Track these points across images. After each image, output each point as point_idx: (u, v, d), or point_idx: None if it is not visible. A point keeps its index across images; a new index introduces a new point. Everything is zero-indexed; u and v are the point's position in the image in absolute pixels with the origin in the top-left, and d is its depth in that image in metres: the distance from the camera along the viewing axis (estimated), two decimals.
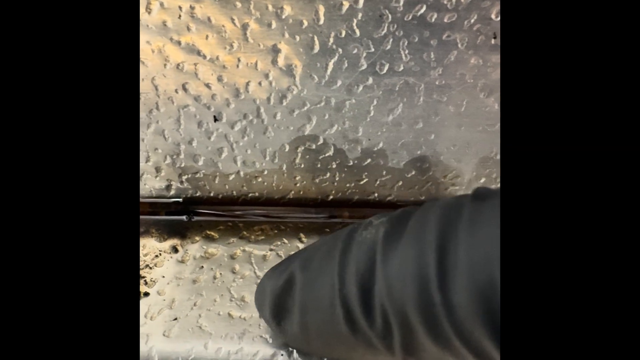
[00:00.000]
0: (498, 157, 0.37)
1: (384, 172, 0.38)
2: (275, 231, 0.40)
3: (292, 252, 0.37)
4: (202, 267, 0.37)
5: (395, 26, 0.30)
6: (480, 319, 0.20)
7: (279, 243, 0.39)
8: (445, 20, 0.30)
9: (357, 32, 0.30)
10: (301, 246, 0.39)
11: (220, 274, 0.37)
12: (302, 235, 0.40)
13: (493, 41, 0.31)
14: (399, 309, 0.22)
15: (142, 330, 0.33)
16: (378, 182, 0.39)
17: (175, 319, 0.34)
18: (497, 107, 0.34)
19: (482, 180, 0.39)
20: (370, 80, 0.33)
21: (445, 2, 0.29)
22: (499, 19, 0.29)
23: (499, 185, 0.39)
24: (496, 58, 0.31)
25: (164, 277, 0.37)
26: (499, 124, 0.35)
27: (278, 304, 0.28)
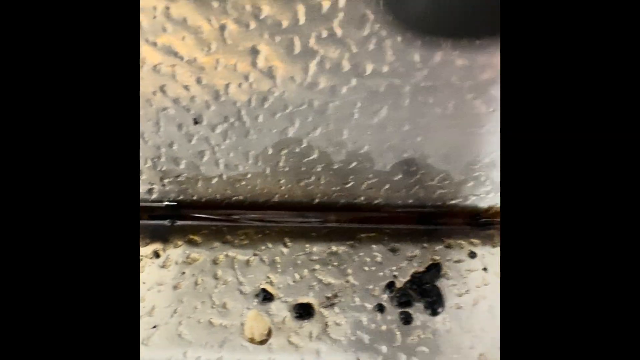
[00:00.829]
0: (487, 159, 0.36)
1: (370, 175, 0.37)
2: (260, 235, 0.39)
3: (276, 258, 0.37)
4: (184, 272, 0.37)
5: (378, 26, 0.29)
6: None
7: (263, 248, 0.38)
8: None
9: (339, 32, 0.29)
10: (286, 251, 0.38)
11: (202, 280, 0.36)
12: (286, 239, 0.39)
13: (479, 41, 0.30)
14: None
15: None
16: (364, 186, 0.38)
17: (155, 326, 0.33)
18: (484, 109, 0.33)
19: (471, 183, 0.38)
20: (354, 82, 0.32)
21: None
22: None
23: (488, 188, 0.38)
24: (483, 59, 0.30)
25: (144, 283, 0.36)
26: (487, 126, 0.34)
27: None
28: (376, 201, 0.39)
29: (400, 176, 0.37)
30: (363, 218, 0.40)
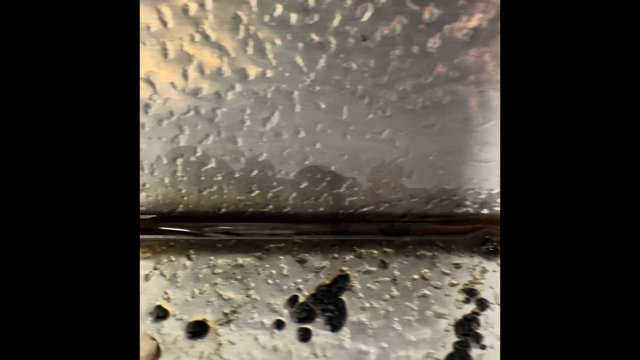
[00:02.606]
0: (392, 166, 0.34)
1: (274, 184, 0.36)
2: (164, 247, 0.37)
3: (178, 272, 0.35)
4: None
5: (254, 28, 0.27)
6: None
7: (165, 261, 0.36)
8: (307, 22, 0.27)
9: (213, 35, 0.27)
10: (189, 264, 0.36)
11: None
12: (191, 252, 0.37)
13: (363, 43, 0.28)
14: None
15: None
16: (270, 194, 0.36)
17: None
18: (380, 113, 0.31)
19: (380, 190, 0.36)
20: (239, 87, 0.30)
21: (301, 2, 0.26)
22: (364, 18, 0.27)
23: (399, 194, 0.36)
24: (372, 62, 0.29)
25: None
26: (386, 132, 0.32)
27: None
28: (285, 210, 0.38)
29: (306, 184, 0.36)
30: (273, 228, 0.38)
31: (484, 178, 0.35)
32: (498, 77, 0.29)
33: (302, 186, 0.36)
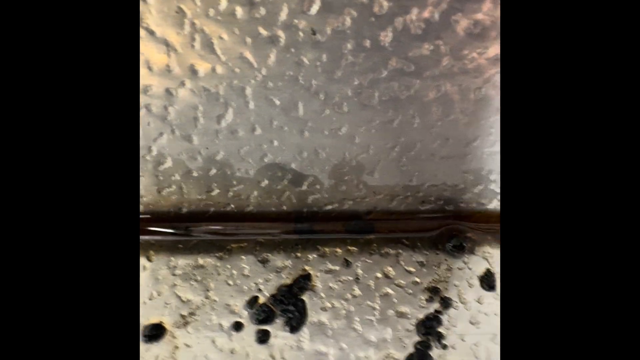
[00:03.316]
0: (354, 162, 0.34)
1: (234, 182, 0.35)
2: None
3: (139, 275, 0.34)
4: None
5: (199, 23, 0.26)
6: None
7: None
8: (254, 15, 0.26)
9: (157, 30, 0.27)
10: (148, 266, 0.35)
11: None
12: (151, 252, 0.36)
13: (314, 37, 0.27)
14: None
15: None
16: (231, 193, 0.36)
17: None
18: (337, 109, 0.30)
19: (343, 187, 0.35)
20: (188, 84, 0.29)
21: None
22: (312, 12, 0.26)
23: (362, 192, 0.36)
24: (324, 56, 0.28)
25: None
26: (345, 128, 0.31)
27: None
28: (248, 209, 0.37)
29: (266, 182, 0.35)
30: (235, 227, 0.37)
31: (448, 174, 0.35)
32: (455, 69, 0.29)
33: (263, 184, 0.35)
